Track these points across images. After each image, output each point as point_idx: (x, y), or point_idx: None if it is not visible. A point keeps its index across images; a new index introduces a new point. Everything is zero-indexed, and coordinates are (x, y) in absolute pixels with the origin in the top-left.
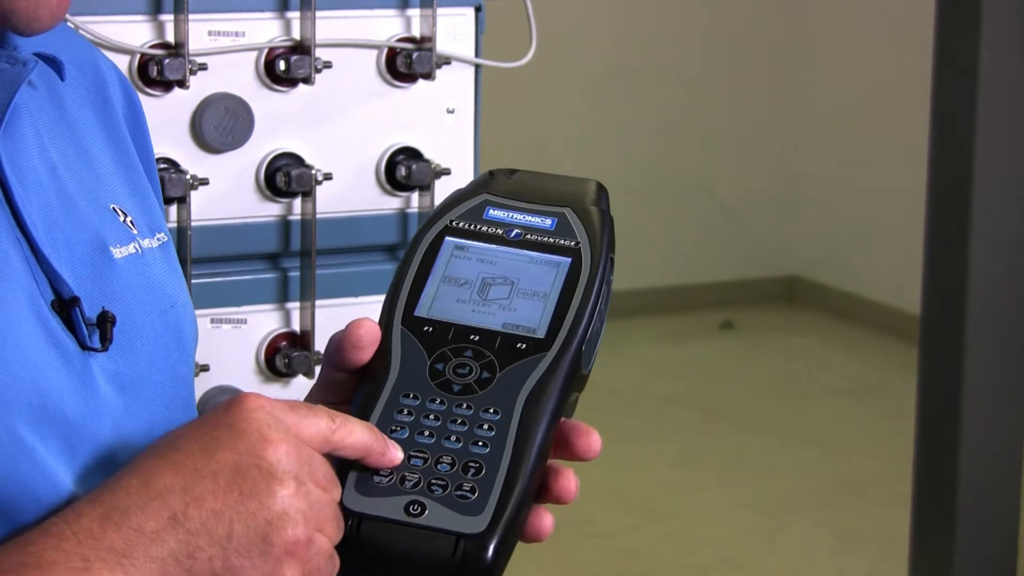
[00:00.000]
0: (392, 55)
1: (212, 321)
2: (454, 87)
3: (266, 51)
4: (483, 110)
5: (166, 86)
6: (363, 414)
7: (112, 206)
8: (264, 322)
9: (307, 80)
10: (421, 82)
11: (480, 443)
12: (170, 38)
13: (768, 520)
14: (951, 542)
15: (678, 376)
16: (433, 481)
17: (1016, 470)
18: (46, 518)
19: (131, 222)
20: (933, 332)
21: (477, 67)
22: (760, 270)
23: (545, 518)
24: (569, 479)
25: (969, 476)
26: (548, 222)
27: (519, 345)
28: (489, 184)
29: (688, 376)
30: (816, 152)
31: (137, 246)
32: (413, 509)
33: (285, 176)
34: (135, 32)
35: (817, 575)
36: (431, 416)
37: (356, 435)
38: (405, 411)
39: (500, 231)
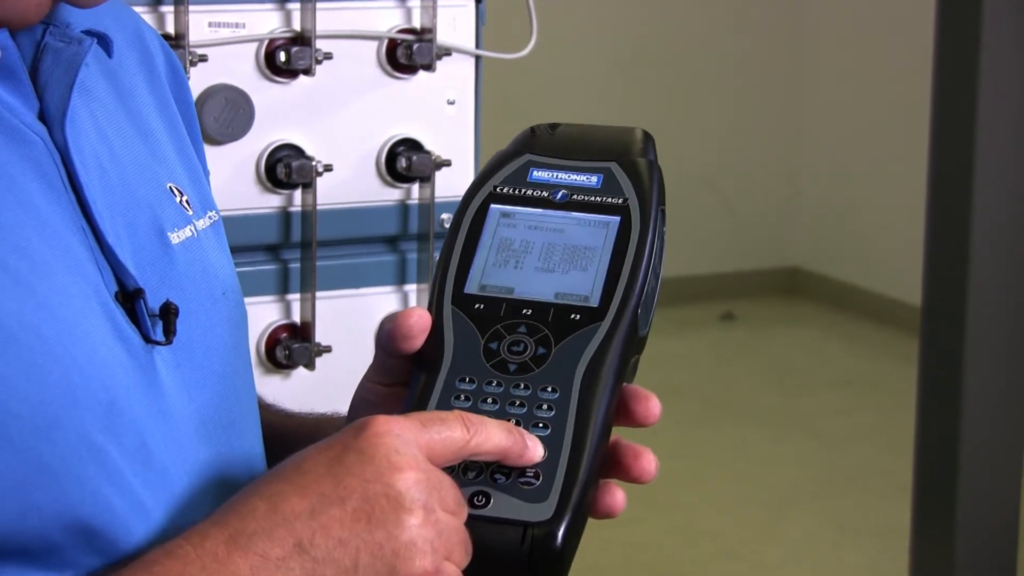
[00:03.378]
0: (392, 46)
1: None
2: (455, 78)
3: (266, 42)
4: (483, 101)
5: None
6: (420, 404)
7: (169, 185)
8: (265, 313)
9: (307, 71)
10: (422, 73)
11: (540, 424)
12: (170, 29)
13: (769, 512)
14: (952, 534)
15: (678, 368)
16: (496, 469)
17: (1017, 462)
18: (143, 548)
19: (186, 202)
20: (934, 323)
21: (478, 58)
22: (761, 261)
23: (616, 494)
24: (615, 496)
25: (969, 468)
26: (594, 179)
27: (573, 316)
28: (531, 142)
29: (688, 368)
30: (817, 142)
31: (193, 229)
32: (478, 500)
33: (286, 167)
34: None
35: (818, 567)
36: (489, 399)
37: (493, 440)
38: (462, 396)
39: (546, 193)
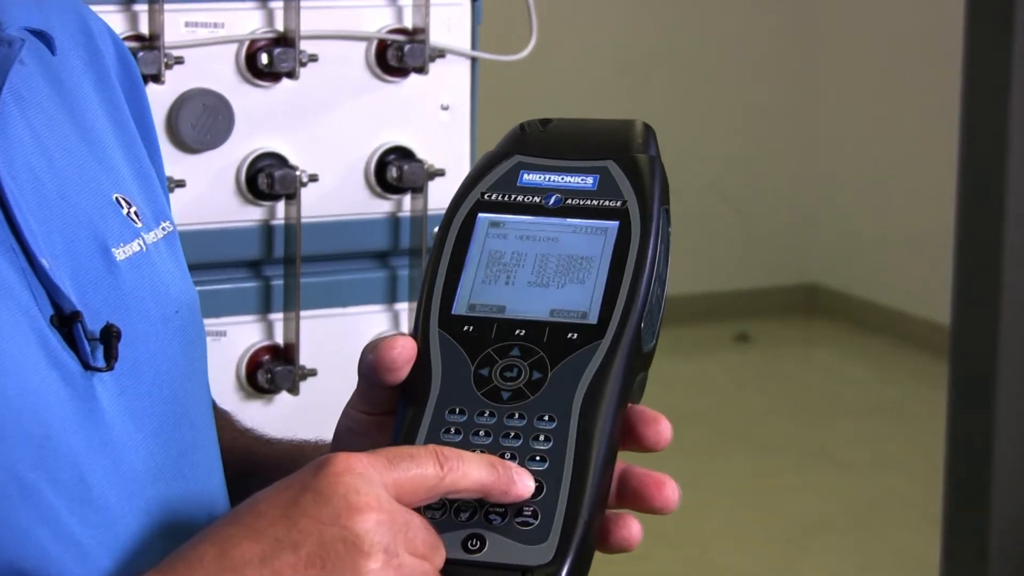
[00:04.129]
0: (382, 48)
1: None
2: (449, 82)
3: (247, 43)
4: (480, 107)
5: None
6: (407, 440)
7: (116, 196)
8: (245, 334)
9: (291, 74)
10: (413, 76)
11: (537, 458)
12: (144, 29)
13: (787, 546)
14: (984, 569)
15: (689, 393)
16: (490, 509)
17: None
18: None
19: (135, 213)
20: (964, 345)
21: (474, 60)
22: (777, 278)
23: (632, 527)
24: (631, 528)
25: (1003, 500)
26: (590, 180)
27: (570, 335)
28: (521, 141)
29: (700, 393)
30: (837, 149)
31: (141, 243)
32: (472, 544)
33: (267, 177)
34: (107, 22)
35: None
36: (481, 432)
37: (472, 476)
38: (452, 430)
39: (538, 199)
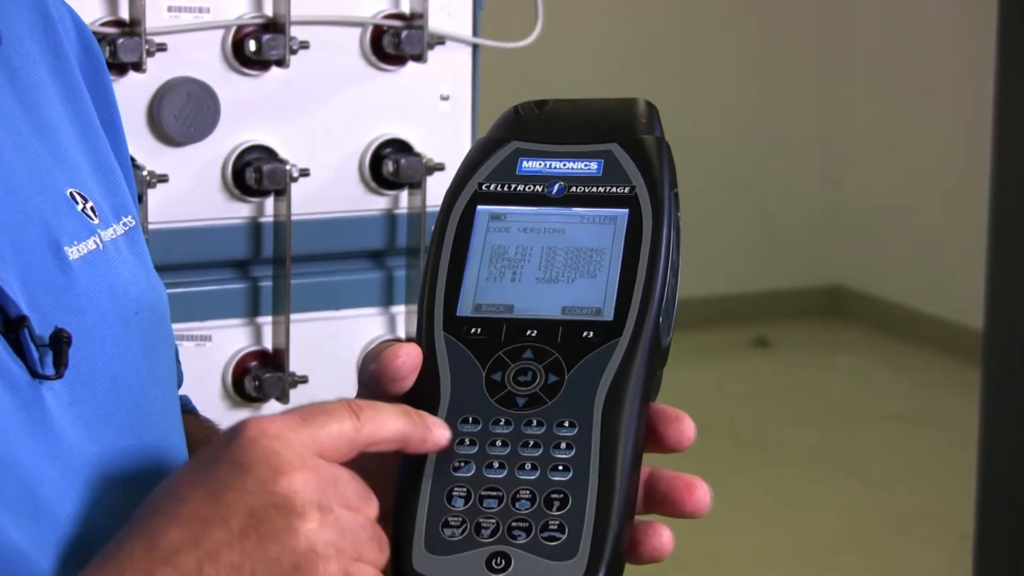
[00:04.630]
0: (378, 34)
1: None
2: (449, 70)
3: (234, 29)
4: (482, 97)
5: (120, 69)
6: (418, 456)
7: (70, 191)
8: (231, 339)
9: (281, 63)
10: (411, 65)
11: (560, 467)
12: (124, 14)
13: (808, 565)
14: None
15: (704, 400)
16: (514, 524)
17: None
18: None
19: (91, 209)
20: (997, 350)
21: (475, 47)
22: (798, 279)
23: (663, 535)
24: (662, 536)
25: None
26: (594, 165)
27: (585, 333)
28: (517, 126)
29: (715, 401)
30: (864, 144)
31: (97, 240)
32: (496, 563)
33: (256, 172)
34: (85, 7)
35: None
36: (498, 442)
37: (389, 426)
38: (467, 441)
39: (539, 187)
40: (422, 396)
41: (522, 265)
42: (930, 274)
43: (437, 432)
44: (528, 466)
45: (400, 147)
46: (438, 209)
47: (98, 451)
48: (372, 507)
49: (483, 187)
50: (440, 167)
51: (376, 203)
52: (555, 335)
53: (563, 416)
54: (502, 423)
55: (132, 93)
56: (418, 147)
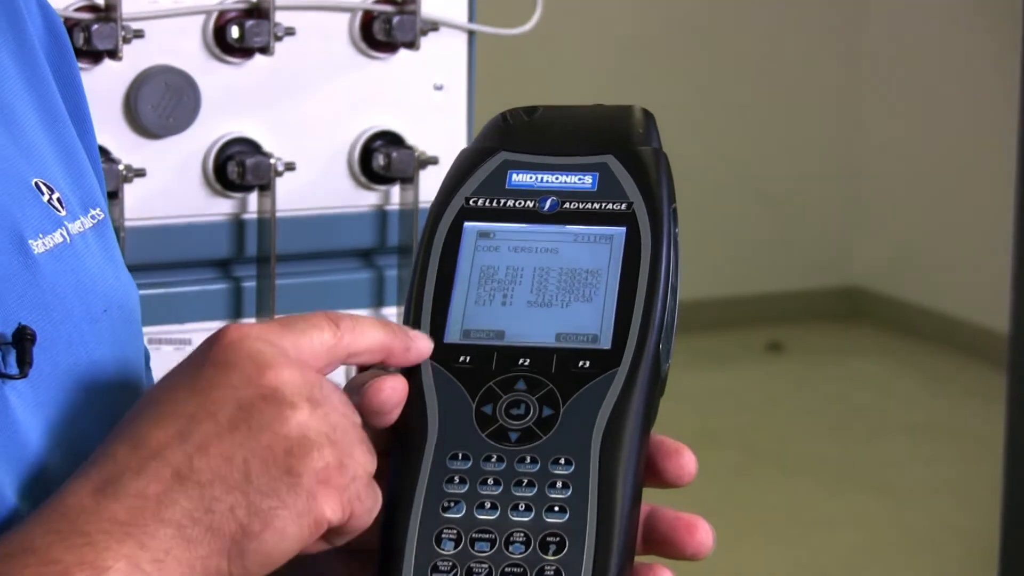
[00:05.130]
0: (368, 20)
1: (150, 341)
2: (443, 58)
3: (215, 15)
4: (478, 86)
5: (95, 57)
6: (403, 493)
7: (35, 181)
8: None
9: (265, 50)
10: (403, 52)
11: (556, 508)
12: None
13: None
14: None
15: (714, 410)
16: (507, 570)
17: None
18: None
19: (58, 200)
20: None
21: (471, 34)
22: (815, 280)
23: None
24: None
25: None
26: (588, 180)
27: (581, 363)
28: (505, 134)
29: (727, 409)
30: (883, 140)
31: (64, 233)
32: None
33: (238, 166)
34: None
35: None
36: (489, 480)
37: (369, 336)
38: (456, 479)
39: (531, 203)
40: (408, 430)
41: (513, 287)
42: (953, 275)
43: (420, 343)
44: (522, 506)
45: (391, 140)
46: (431, 205)
47: (62, 457)
48: (357, 416)
49: (470, 202)
50: (433, 161)
51: (366, 199)
52: (549, 364)
53: (559, 453)
54: (494, 460)
55: (108, 82)
56: (410, 140)
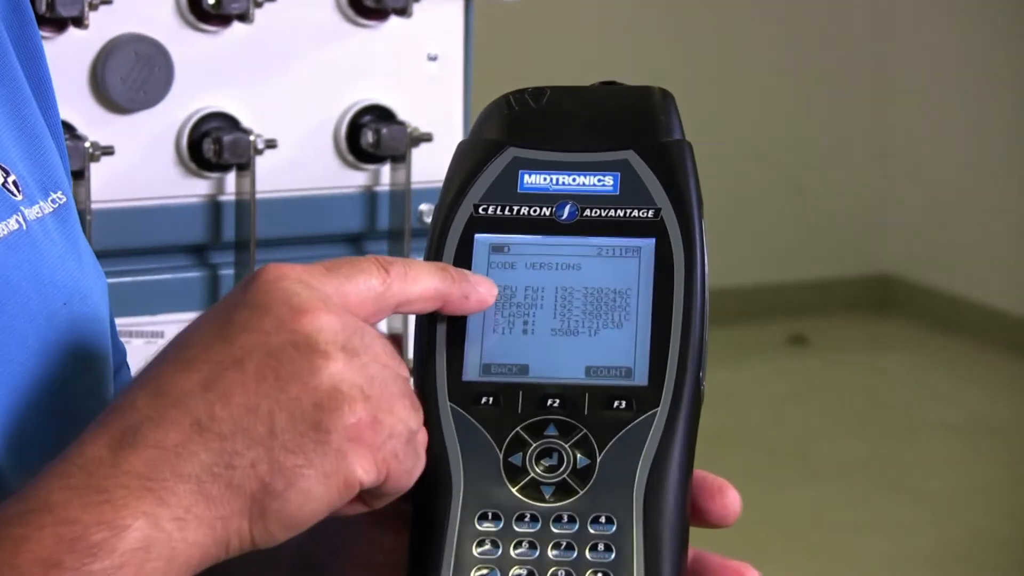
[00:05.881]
0: None
1: (119, 334)
2: (437, 26)
3: None
4: (475, 56)
5: (58, 25)
6: (429, 559)
7: None
8: None
9: (243, 17)
10: (394, 19)
11: (600, 573)
12: None
13: None
14: None
15: (733, 408)
16: None
17: None
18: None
19: (14, 183)
20: None
21: (467, 0)
22: (842, 267)
23: None
24: None
25: None
26: (609, 180)
27: (616, 404)
28: (511, 125)
29: (746, 408)
30: (914, 118)
31: (20, 219)
32: None
33: (215, 144)
34: None
35: None
36: (524, 544)
37: (423, 282)
38: (487, 543)
39: (547, 211)
40: (430, 486)
41: (534, 312)
42: (991, 262)
43: (482, 290)
44: (561, 573)
45: (381, 115)
46: (424, 186)
47: (20, 462)
48: (403, 368)
49: (479, 209)
50: (427, 137)
51: (354, 179)
52: (581, 405)
53: (599, 510)
54: (527, 520)
55: (73, 53)
56: (402, 115)
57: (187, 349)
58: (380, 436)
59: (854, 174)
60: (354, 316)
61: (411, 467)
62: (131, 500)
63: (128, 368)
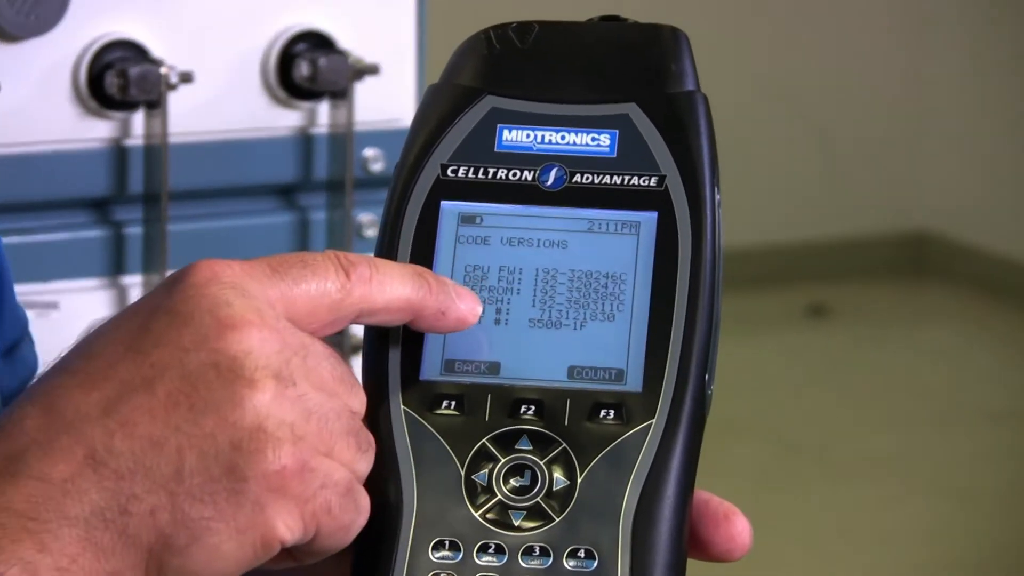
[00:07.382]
0: None
1: None
2: None
3: None
4: None
5: None
6: None
7: None
8: (87, 306)
9: None
10: None
11: None
12: None
13: None
14: None
15: (744, 389)
16: None
17: None
18: None
19: None
20: None
21: None
22: (870, 225)
23: None
24: None
25: None
26: (605, 140)
27: (603, 413)
28: (490, 68)
29: (759, 388)
30: (953, 60)
31: None
32: None
33: (119, 78)
34: None
35: None
36: None
37: (391, 289)
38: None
39: (529, 174)
40: (377, 506)
41: (509, 298)
42: None
43: (463, 306)
44: None
45: (318, 42)
46: (369, 128)
47: None
48: (354, 398)
49: (448, 171)
50: (373, 70)
51: (285, 119)
52: (561, 414)
53: (578, 541)
54: (491, 551)
55: None
56: (343, 43)
57: (91, 359)
58: (310, 486)
59: (885, 119)
60: (299, 331)
61: (349, 522)
62: (6, 543)
63: (31, 340)
